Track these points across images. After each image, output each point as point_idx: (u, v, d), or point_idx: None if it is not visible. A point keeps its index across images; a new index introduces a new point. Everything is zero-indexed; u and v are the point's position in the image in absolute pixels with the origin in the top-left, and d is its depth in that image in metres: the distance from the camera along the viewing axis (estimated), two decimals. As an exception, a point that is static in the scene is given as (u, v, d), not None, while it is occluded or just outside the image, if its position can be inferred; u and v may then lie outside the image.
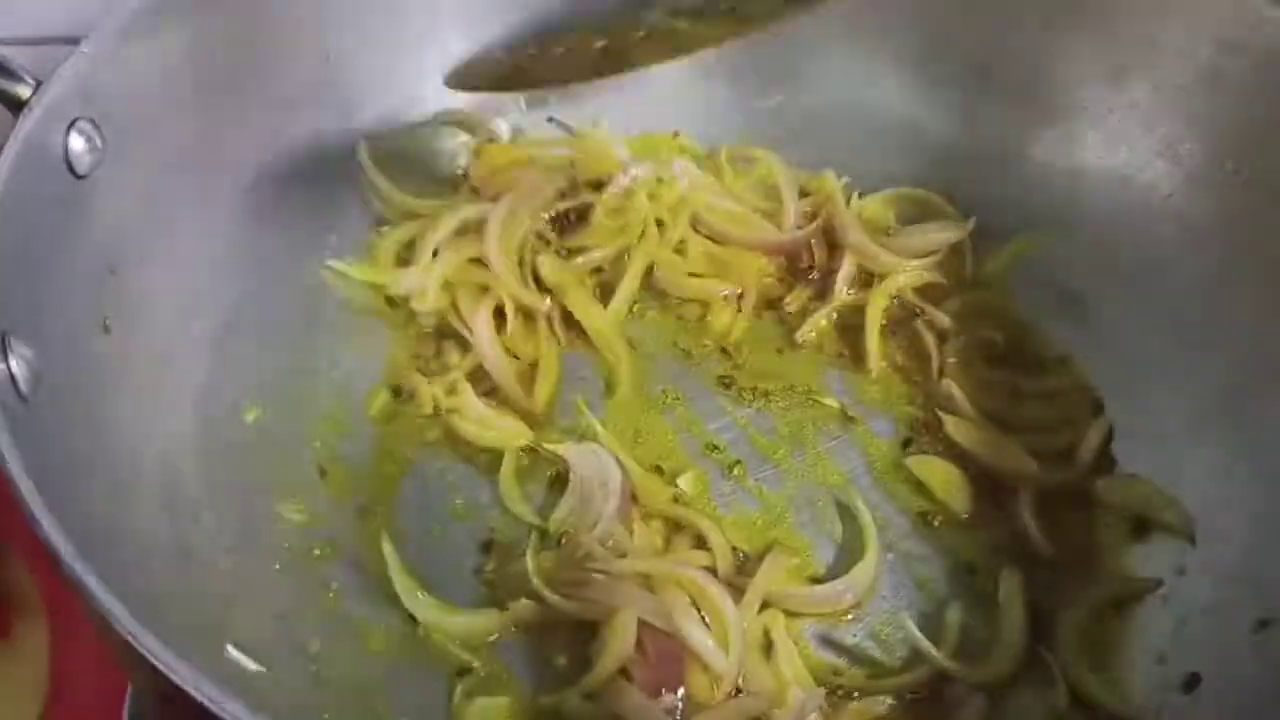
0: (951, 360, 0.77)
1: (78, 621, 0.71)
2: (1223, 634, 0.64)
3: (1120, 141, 0.78)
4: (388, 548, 0.67)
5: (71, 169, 0.60)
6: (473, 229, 0.78)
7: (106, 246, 0.63)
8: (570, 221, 0.81)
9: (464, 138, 0.82)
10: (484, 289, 0.77)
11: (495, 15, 0.79)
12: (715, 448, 0.74)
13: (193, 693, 0.42)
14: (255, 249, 0.74)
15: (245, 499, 0.67)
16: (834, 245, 0.81)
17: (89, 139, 0.61)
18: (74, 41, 0.62)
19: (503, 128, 0.84)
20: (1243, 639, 0.63)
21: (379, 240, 0.80)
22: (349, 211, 0.80)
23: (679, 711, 0.62)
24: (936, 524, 0.71)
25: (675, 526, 0.70)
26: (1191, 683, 0.63)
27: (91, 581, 0.45)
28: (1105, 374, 0.76)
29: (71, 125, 0.60)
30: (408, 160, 0.80)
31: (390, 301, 0.78)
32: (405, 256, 0.79)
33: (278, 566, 0.67)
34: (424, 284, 0.76)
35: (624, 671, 0.63)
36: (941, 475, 0.72)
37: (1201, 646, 0.64)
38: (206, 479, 0.66)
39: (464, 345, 0.76)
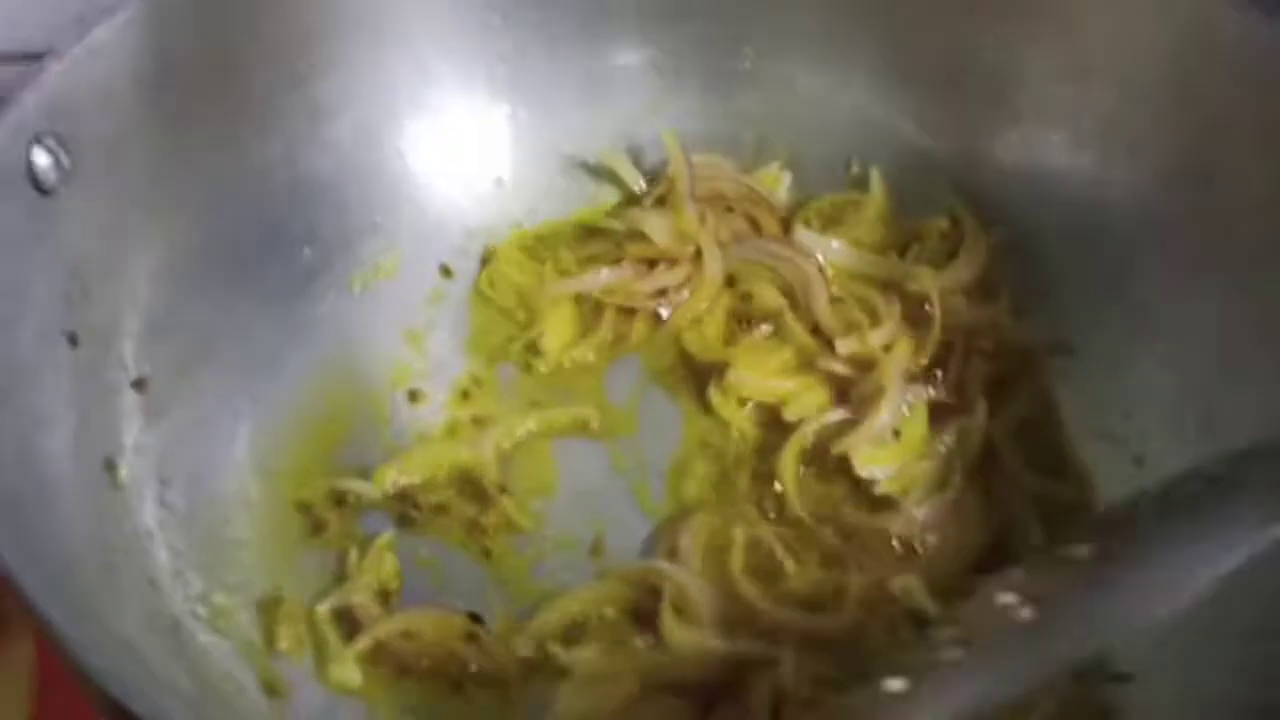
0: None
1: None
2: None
3: (1087, 141, 0.78)
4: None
5: (37, 185, 0.61)
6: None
7: (75, 263, 0.64)
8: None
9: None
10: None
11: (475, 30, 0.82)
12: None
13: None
14: (229, 266, 0.74)
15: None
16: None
17: (54, 155, 0.62)
18: (39, 57, 0.63)
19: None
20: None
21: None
22: (322, 227, 0.80)
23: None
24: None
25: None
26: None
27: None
28: (1075, 375, 0.77)
29: (36, 141, 0.61)
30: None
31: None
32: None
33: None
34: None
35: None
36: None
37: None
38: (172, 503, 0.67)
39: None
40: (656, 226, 0.81)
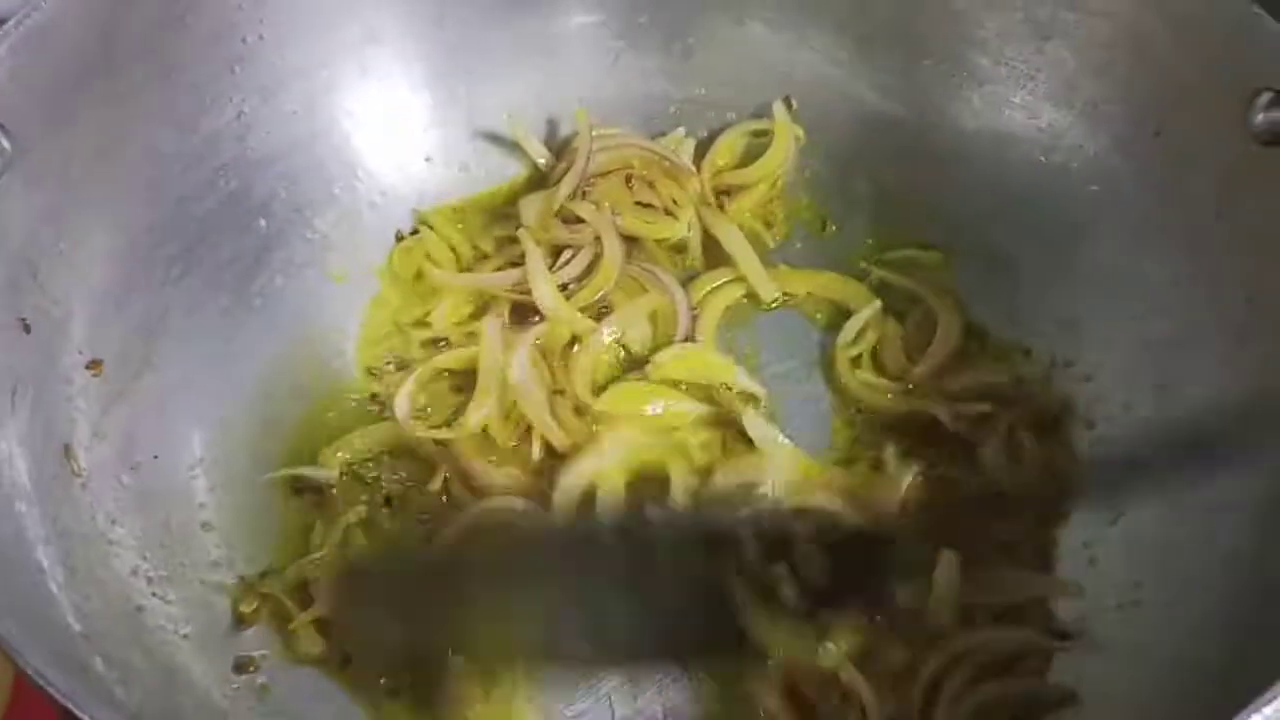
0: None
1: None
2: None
3: (1045, 103, 0.78)
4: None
5: (-22, 172, 0.60)
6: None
7: (22, 248, 0.63)
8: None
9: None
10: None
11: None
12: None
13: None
14: (180, 243, 0.73)
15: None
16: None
17: (-3, 141, 0.61)
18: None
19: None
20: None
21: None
22: (274, 200, 0.79)
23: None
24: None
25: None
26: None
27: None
28: (1036, 332, 0.78)
29: (-25, 127, 0.60)
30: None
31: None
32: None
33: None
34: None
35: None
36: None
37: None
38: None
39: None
40: (529, 211, 0.81)
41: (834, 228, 0.85)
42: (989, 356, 0.78)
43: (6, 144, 0.61)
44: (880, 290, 0.81)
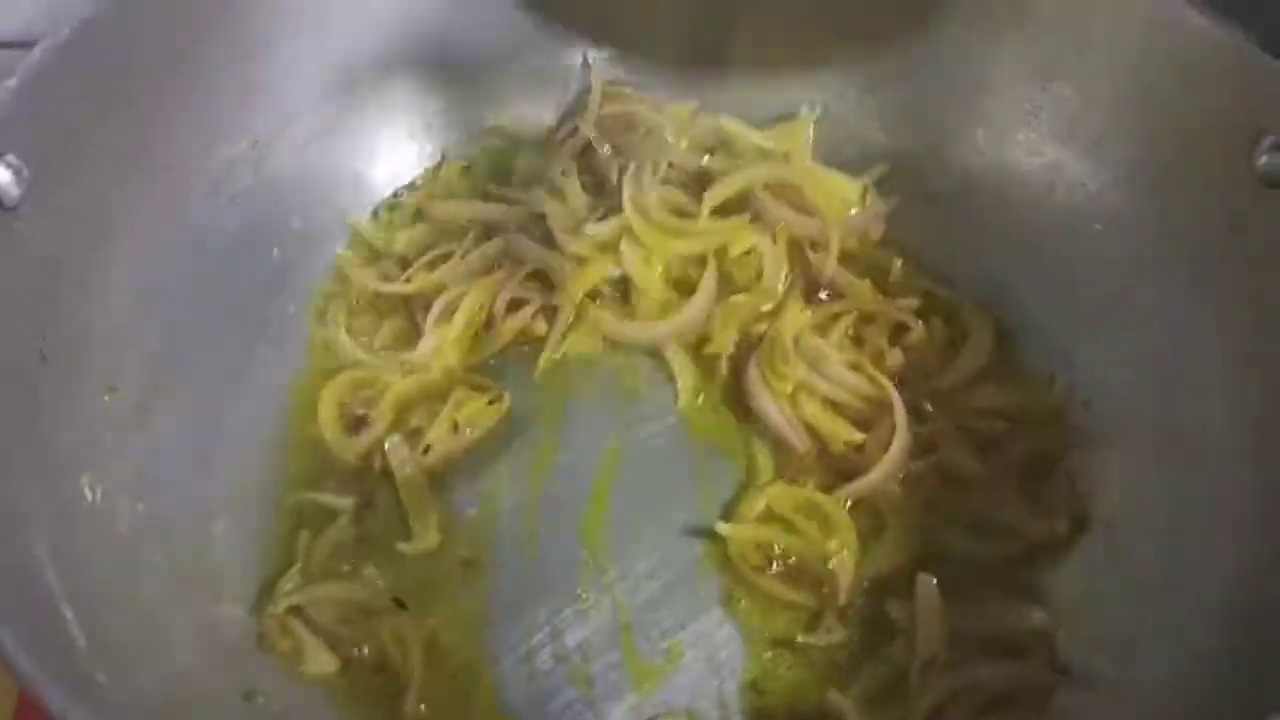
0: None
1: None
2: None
3: (1048, 140, 0.79)
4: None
5: (-1, 201, 0.61)
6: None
7: (40, 276, 0.64)
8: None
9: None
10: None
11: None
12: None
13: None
14: (196, 271, 0.74)
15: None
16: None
17: (16, 172, 0.61)
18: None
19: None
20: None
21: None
22: (287, 228, 0.80)
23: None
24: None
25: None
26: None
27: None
28: (1037, 362, 0.78)
29: (-2, 159, 0.61)
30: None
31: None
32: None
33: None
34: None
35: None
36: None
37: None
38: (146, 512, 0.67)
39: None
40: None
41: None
42: (1015, 376, 0.79)
43: (27, 174, 0.62)
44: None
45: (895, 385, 0.75)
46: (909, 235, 0.84)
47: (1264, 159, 0.66)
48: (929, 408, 0.77)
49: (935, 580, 0.68)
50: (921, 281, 0.82)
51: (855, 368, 0.77)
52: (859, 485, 0.73)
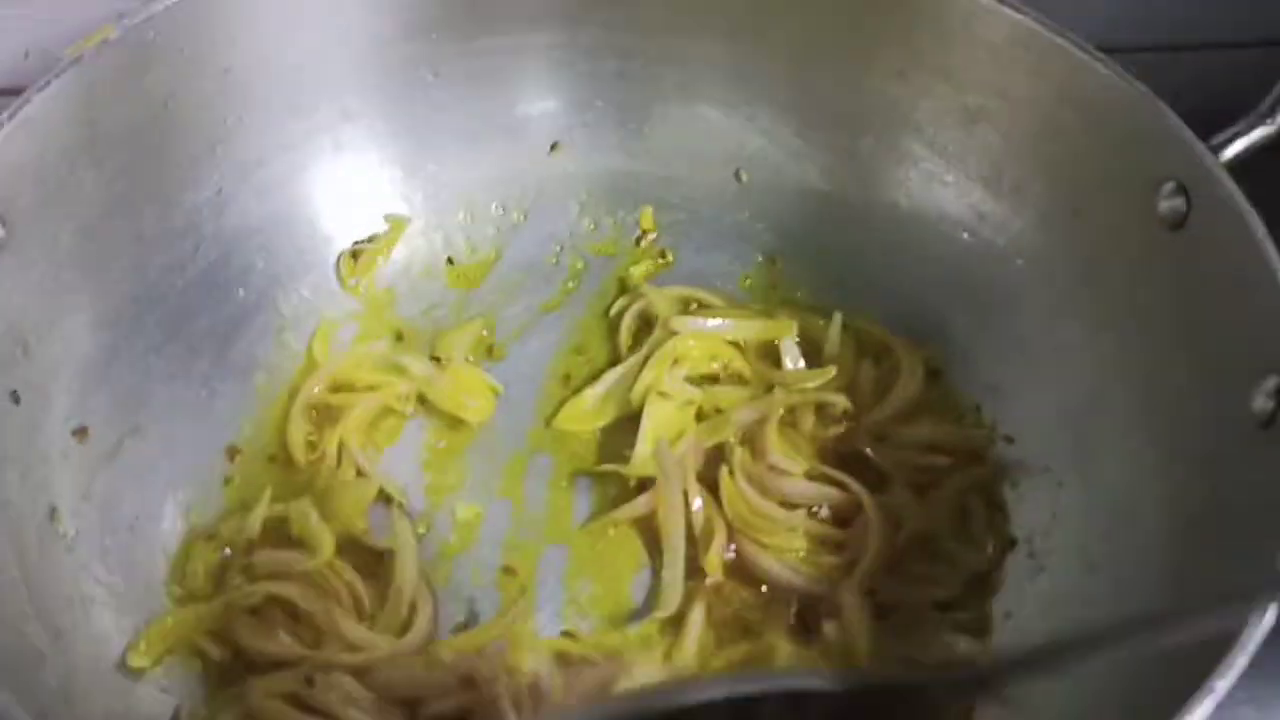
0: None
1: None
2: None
3: (975, 182, 0.83)
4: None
5: (-26, 255, 0.65)
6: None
7: (13, 323, 0.68)
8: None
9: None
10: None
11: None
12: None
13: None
14: (162, 314, 0.78)
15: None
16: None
17: (-9, 227, 0.65)
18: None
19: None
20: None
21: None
22: (252, 270, 0.83)
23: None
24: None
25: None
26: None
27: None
28: (965, 398, 0.83)
29: (-26, 213, 0.64)
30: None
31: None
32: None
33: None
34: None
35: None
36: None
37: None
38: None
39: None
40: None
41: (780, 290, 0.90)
42: (946, 411, 0.82)
43: (1, 230, 0.66)
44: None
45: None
46: (845, 268, 0.88)
47: (1164, 204, 0.71)
48: (869, 451, 0.80)
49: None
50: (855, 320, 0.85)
51: (812, 476, 0.79)
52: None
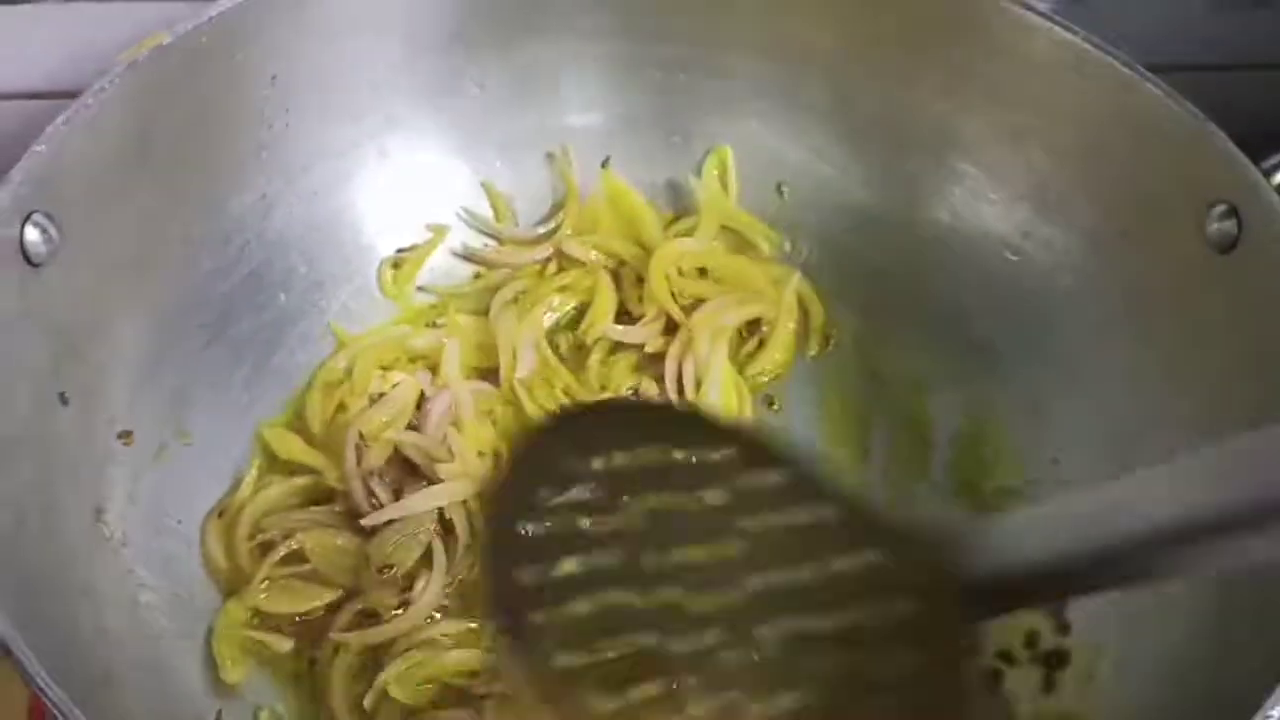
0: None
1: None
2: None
3: (1020, 201, 0.83)
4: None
5: (28, 259, 0.65)
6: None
7: (63, 327, 0.68)
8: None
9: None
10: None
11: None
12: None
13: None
14: (206, 318, 0.79)
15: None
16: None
17: (44, 230, 0.66)
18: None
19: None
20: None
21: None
22: (294, 274, 0.84)
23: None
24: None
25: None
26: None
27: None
28: (1009, 418, 0.82)
29: (27, 218, 0.65)
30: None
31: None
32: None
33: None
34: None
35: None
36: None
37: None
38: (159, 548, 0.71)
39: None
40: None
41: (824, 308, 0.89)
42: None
43: (54, 233, 0.66)
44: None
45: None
46: (888, 285, 0.88)
47: (1215, 226, 0.71)
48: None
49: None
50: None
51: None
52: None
